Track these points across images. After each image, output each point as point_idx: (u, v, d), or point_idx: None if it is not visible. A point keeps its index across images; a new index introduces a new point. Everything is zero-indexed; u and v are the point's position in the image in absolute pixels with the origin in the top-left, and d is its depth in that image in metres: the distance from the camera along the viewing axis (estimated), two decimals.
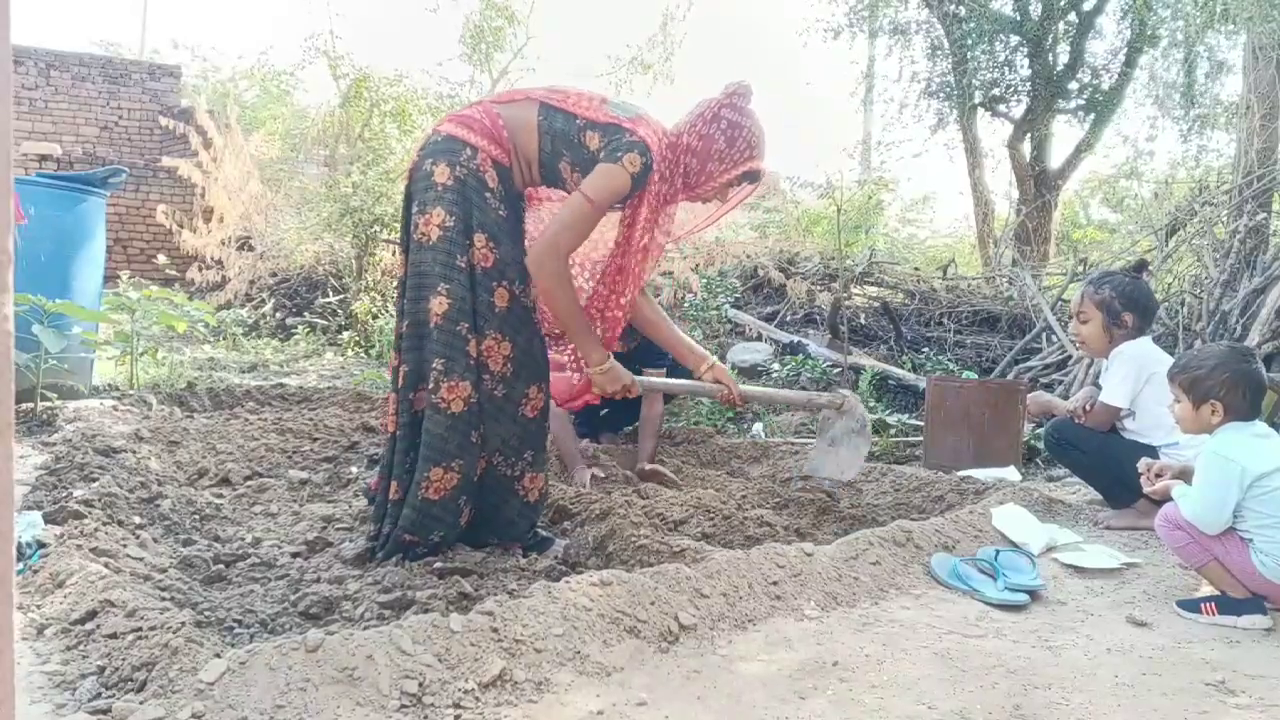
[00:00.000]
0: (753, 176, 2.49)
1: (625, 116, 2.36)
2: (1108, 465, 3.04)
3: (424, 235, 2.31)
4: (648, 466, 3.59)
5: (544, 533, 2.59)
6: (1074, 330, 3.34)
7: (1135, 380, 3.02)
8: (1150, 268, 3.49)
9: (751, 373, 5.94)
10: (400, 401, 2.38)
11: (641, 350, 3.87)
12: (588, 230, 2.36)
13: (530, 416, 2.42)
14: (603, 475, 3.47)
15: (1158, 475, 2.40)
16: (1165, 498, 2.34)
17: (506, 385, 2.37)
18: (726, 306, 6.91)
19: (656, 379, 2.63)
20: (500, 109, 2.42)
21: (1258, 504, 2.14)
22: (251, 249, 9.47)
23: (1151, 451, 2.93)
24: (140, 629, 1.60)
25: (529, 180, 2.49)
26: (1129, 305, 3.10)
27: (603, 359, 2.47)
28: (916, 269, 9.10)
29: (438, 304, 2.29)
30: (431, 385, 2.29)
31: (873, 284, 8.19)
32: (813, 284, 7.79)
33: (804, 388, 5.51)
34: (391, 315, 7.29)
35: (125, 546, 2.17)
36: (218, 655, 1.50)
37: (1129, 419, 3.07)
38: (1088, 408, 3.12)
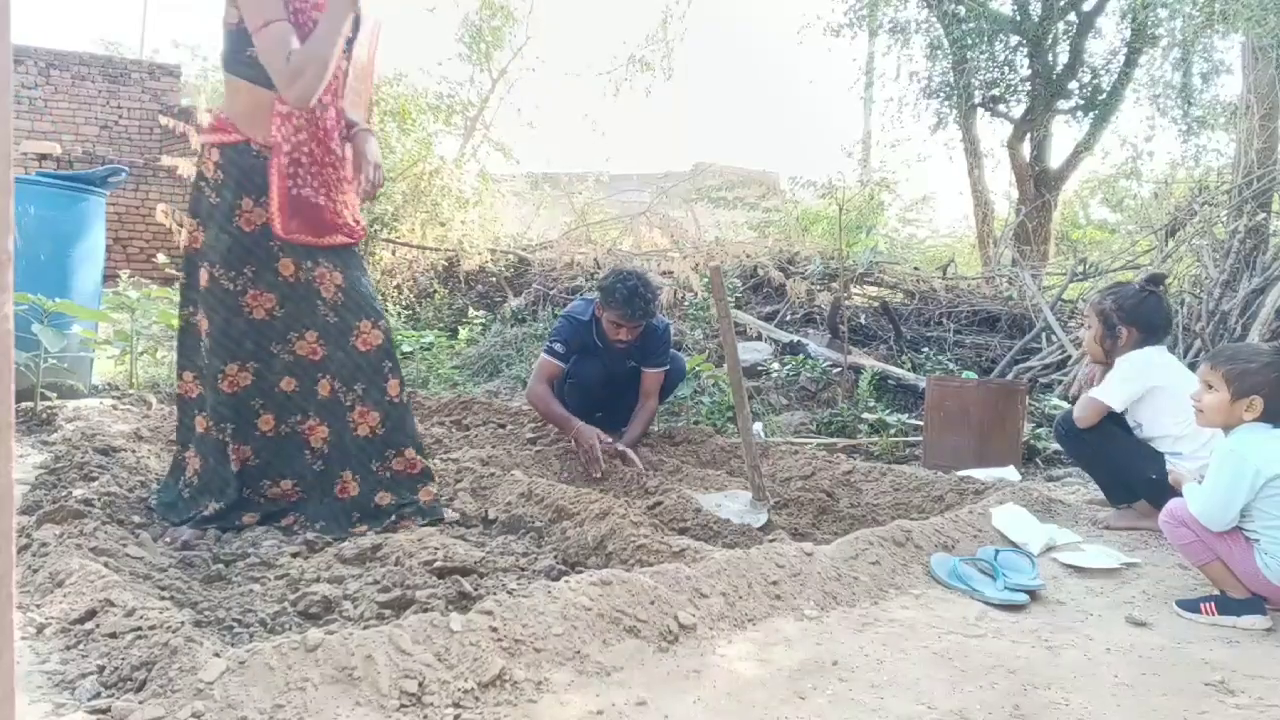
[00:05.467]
0: None
1: None
2: (1114, 461, 3.02)
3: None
4: (621, 446, 3.63)
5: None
6: (1081, 335, 3.34)
7: (1135, 386, 2.97)
8: (1164, 280, 3.44)
9: (751, 372, 5.94)
10: None
11: (640, 350, 3.87)
12: (284, 44, 2.35)
13: (362, 351, 2.60)
14: (608, 438, 3.58)
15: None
16: (1177, 490, 2.34)
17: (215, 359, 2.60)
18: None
19: None
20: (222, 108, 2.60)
21: (1267, 505, 2.13)
22: None
23: (1159, 456, 2.92)
24: (140, 628, 1.60)
25: (260, 105, 2.47)
26: (1128, 319, 3.05)
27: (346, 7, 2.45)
28: (916, 269, 9.08)
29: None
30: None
31: (872, 284, 8.18)
32: (812, 284, 7.78)
33: (804, 388, 5.50)
34: (390, 315, 7.29)
35: (125, 546, 2.18)
36: (217, 655, 1.49)
37: (1135, 430, 3.06)
38: (1091, 380, 3.11)
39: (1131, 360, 3.02)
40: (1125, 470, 2.98)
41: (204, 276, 2.52)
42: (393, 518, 2.63)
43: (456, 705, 1.50)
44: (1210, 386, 2.29)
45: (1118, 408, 3.00)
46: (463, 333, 7.29)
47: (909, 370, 5.66)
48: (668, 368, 4.00)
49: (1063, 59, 11.04)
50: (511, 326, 7.44)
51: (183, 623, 1.62)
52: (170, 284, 8.27)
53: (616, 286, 3.65)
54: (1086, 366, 3.31)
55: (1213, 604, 2.16)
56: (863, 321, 7.09)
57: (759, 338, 6.71)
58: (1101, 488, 3.18)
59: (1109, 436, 3.04)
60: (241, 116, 2.50)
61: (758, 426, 4.79)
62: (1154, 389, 2.95)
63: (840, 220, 6.55)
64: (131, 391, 4.63)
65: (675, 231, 9.08)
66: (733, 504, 3.09)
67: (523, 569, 2.33)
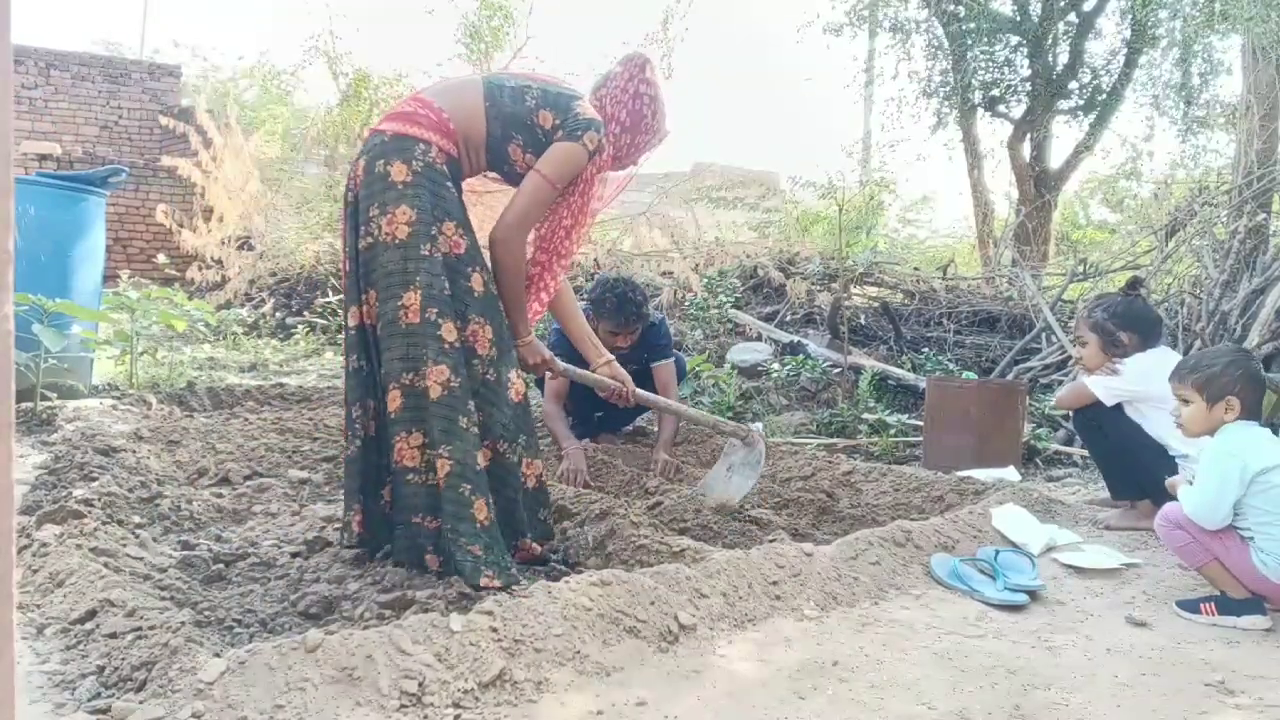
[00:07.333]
0: (663, 138, 2.70)
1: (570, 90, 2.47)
2: (1127, 456, 3.02)
3: (389, 235, 2.27)
4: (660, 460, 3.60)
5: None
6: (1075, 354, 3.35)
7: (1125, 388, 3.02)
8: (1145, 283, 3.49)
9: (751, 372, 5.94)
10: (360, 407, 2.34)
11: (641, 347, 3.87)
12: (546, 210, 2.46)
13: (516, 401, 2.43)
14: (591, 453, 3.57)
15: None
16: (1173, 495, 2.35)
17: (495, 368, 2.38)
18: (727, 306, 6.91)
19: (567, 366, 2.83)
20: (440, 101, 2.40)
21: (1259, 500, 2.14)
22: (251, 249, 9.47)
23: (1171, 459, 2.92)
24: (140, 629, 1.60)
25: (474, 168, 2.52)
26: (1125, 324, 3.10)
27: (528, 333, 2.57)
28: (916, 269, 9.09)
29: (411, 298, 2.25)
30: (412, 375, 2.25)
31: (872, 284, 8.19)
32: (812, 284, 7.78)
33: (804, 388, 5.51)
34: None
35: (125, 546, 2.17)
36: (217, 655, 1.50)
37: (1143, 424, 3.07)
38: (1102, 371, 3.12)
39: (1135, 362, 3.05)
40: (1137, 465, 2.98)
41: (478, 281, 2.34)
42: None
43: (456, 705, 1.50)
44: (1186, 401, 2.32)
45: (1106, 402, 3.04)
46: None
47: (909, 370, 5.66)
48: (674, 357, 3.99)
49: (1063, 59, 11.05)
50: None
51: (183, 623, 1.62)
52: (170, 284, 8.29)
53: (606, 297, 3.65)
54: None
55: (1213, 604, 2.17)
56: (863, 322, 7.10)
57: (759, 338, 6.71)
58: (1108, 481, 3.19)
59: (1128, 431, 3.03)
60: (461, 138, 2.40)
61: (758, 426, 4.79)
62: (1148, 396, 2.98)
63: (840, 220, 6.56)
64: (131, 392, 4.63)
65: (675, 232, 9.08)
66: (731, 456, 3.15)
67: (523, 569, 2.33)
